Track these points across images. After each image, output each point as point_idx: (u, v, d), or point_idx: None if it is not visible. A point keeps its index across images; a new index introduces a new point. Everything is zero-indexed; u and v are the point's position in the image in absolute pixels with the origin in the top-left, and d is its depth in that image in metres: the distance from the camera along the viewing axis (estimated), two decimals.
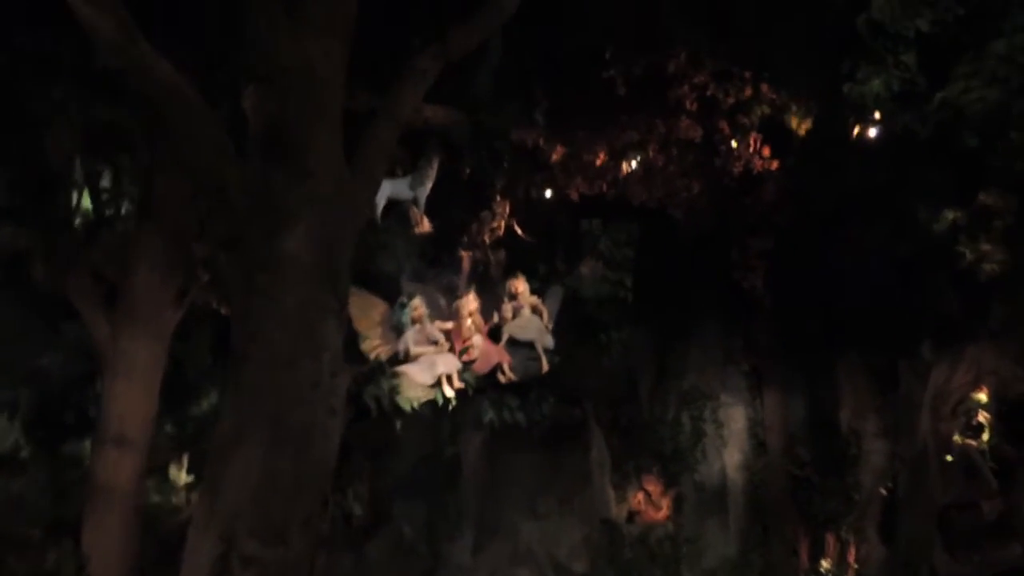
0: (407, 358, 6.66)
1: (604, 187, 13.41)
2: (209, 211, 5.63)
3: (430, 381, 6.55)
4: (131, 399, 8.09)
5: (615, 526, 12.56)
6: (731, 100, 11.95)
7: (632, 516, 12.97)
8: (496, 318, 7.65)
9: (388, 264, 10.98)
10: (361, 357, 6.62)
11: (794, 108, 12.21)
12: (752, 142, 12.53)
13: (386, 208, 10.53)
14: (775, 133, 12.68)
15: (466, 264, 11.78)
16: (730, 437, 13.71)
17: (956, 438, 11.22)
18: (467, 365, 6.97)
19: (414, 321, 6.77)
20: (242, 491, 5.22)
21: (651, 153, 13.12)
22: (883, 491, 12.67)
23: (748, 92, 11.86)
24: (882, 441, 12.96)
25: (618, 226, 9.23)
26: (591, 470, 12.59)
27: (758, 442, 13.75)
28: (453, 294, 9.39)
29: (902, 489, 12.21)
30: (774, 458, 13.60)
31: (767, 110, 12.25)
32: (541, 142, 12.88)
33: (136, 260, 8.19)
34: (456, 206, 12.45)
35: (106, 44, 4.91)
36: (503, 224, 13.25)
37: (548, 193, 13.88)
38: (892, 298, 12.15)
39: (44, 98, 7.93)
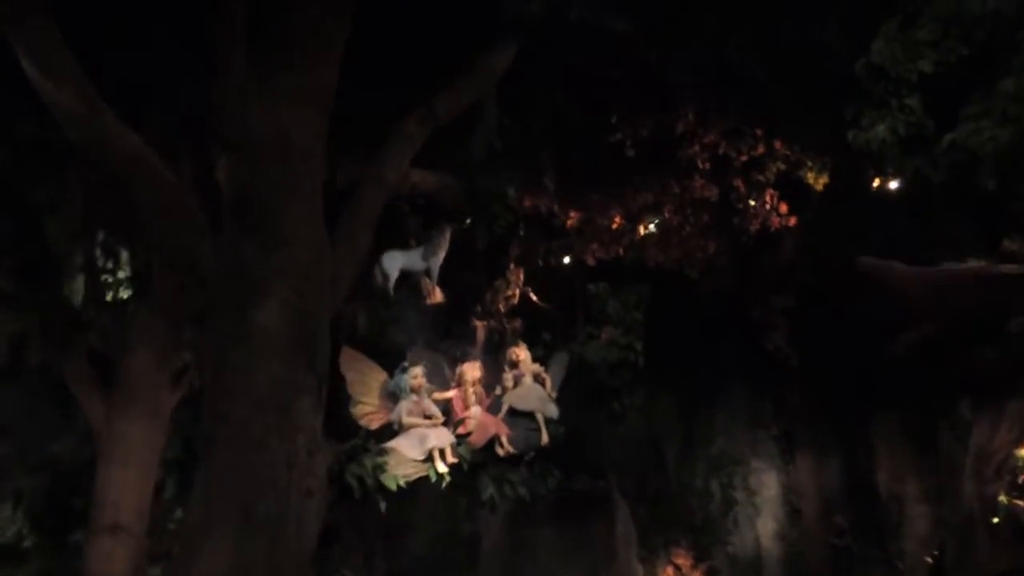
0: (400, 428, 6.27)
1: (621, 251, 13.12)
2: (180, 285, 5.35)
3: (421, 456, 6.12)
4: (126, 485, 7.75)
5: None
6: (744, 157, 11.65)
7: None
8: (499, 390, 7.25)
9: (400, 337, 10.67)
10: (352, 429, 6.23)
11: (809, 163, 11.87)
12: (768, 199, 12.17)
13: (398, 280, 10.31)
14: (792, 189, 12.33)
15: (480, 334, 11.42)
16: (763, 505, 12.99)
17: (1002, 498, 10.48)
18: (462, 438, 6.54)
19: (412, 390, 6.39)
20: None
21: (667, 214, 12.83)
22: (928, 559, 11.82)
23: (761, 149, 11.55)
24: (924, 505, 12.17)
25: (627, 288, 8.81)
26: (616, 544, 11.92)
27: (792, 509, 13.00)
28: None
29: (949, 557, 11.36)
30: (810, 526, 12.83)
31: (782, 166, 11.92)
32: (555, 208, 12.69)
33: (133, 341, 7.94)
34: (470, 275, 12.20)
35: (66, 117, 4.74)
36: (518, 292, 12.96)
37: (567, 259, 13.63)
38: (925, 354, 11.52)
39: (45, 185, 7.83)
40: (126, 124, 4.93)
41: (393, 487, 5.69)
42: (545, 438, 7.09)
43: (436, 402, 6.68)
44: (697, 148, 11.46)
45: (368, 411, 6.36)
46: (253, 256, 5.22)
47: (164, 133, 5.80)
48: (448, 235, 10.08)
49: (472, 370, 6.86)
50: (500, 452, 6.72)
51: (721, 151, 11.53)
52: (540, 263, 13.66)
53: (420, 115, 6.40)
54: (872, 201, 11.35)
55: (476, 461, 6.64)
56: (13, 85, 6.48)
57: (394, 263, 10.10)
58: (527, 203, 12.43)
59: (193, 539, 4.99)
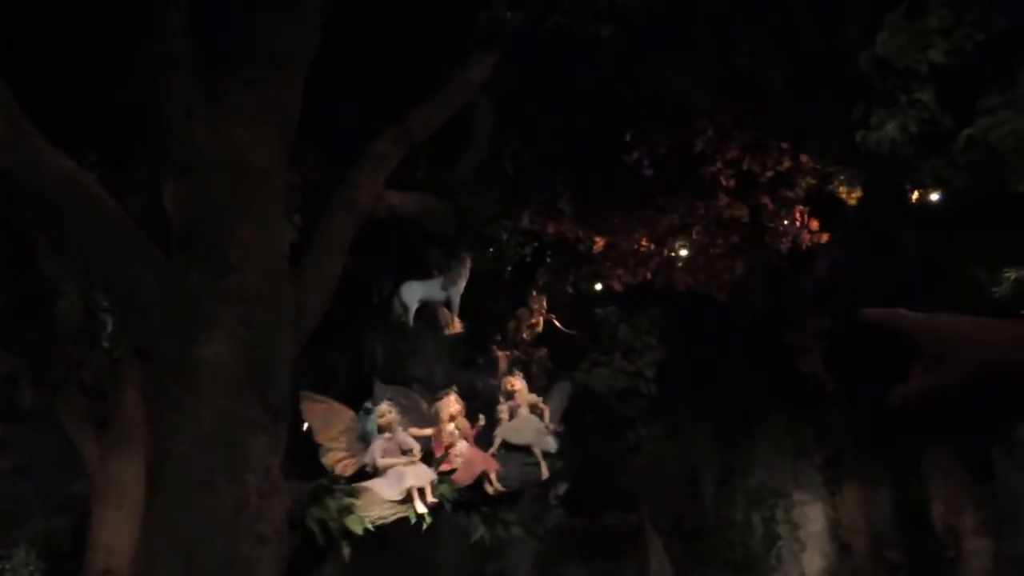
0: (375, 471, 5.77)
1: (648, 275, 12.50)
2: (121, 317, 5.00)
3: (398, 496, 5.60)
4: (119, 528, 7.43)
5: None
6: (770, 173, 11.00)
7: None
8: (482, 420, 6.70)
9: (418, 369, 10.25)
10: (324, 473, 5.76)
11: (840, 177, 11.14)
12: (798, 216, 11.46)
13: (417, 311, 9.94)
14: (824, 204, 11.60)
15: (503, 364, 10.97)
16: (808, 539, 12.07)
17: None
18: (446, 476, 6.00)
19: (382, 429, 5.89)
20: None
21: (694, 235, 12.20)
22: None
23: (787, 163, 10.90)
24: (984, 539, 11.12)
25: (638, 312, 8.20)
26: None
27: (841, 544, 12.05)
28: (490, 397, 8.53)
29: None
30: (861, 562, 11.86)
31: (811, 181, 11.24)
32: (579, 233, 12.17)
33: (127, 380, 7.65)
34: (492, 304, 11.74)
35: None
36: (542, 321, 12.43)
37: (599, 286, 13.07)
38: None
39: (41, 224, 7.64)
40: (64, 149, 4.62)
41: (359, 531, 5.18)
42: (545, 473, 6.51)
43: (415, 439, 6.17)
44: (720, 165, 10.85)
45: (340, 457, 5.86)
46: (199, 284, 4.84)
47: (108, 158, 5.49)
48: (468, 265, 9.71)
49: (448, 405, 6.32)
50: (489, 490, 6.16)
51: (745, 167, 10.91)
52: (570, 290, 13.16)
53: (393, 133, 6.00)
54: (911, 213, 10.55)
55: (463, 500, 6.09)
56: None
57: (413, 294, 9.74)
58: (551, 229, 11.98)
59: None
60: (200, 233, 4.92)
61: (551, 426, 6.81)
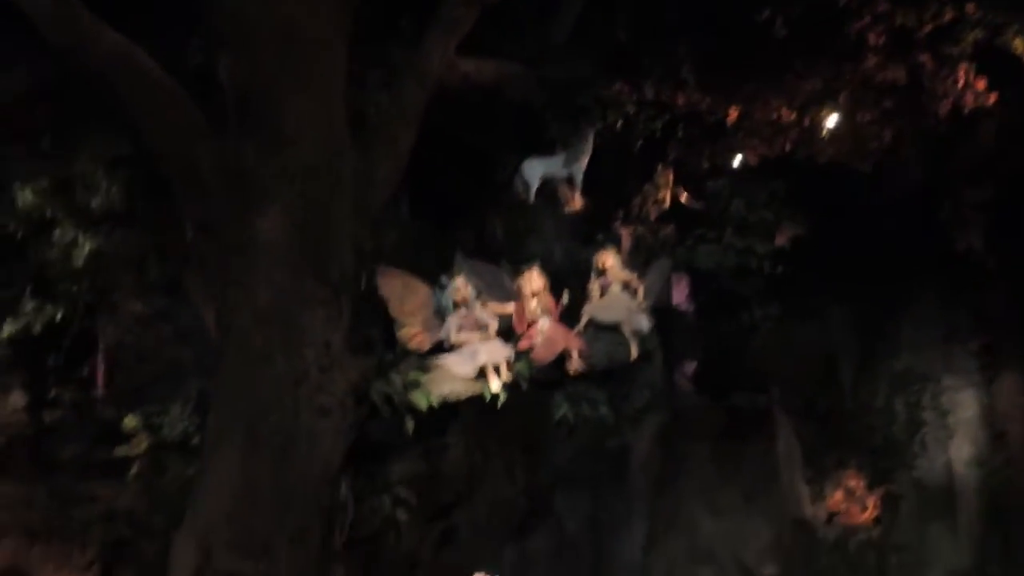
0: (450, 348, 5.58)
1: (788, 146, 11.38)
2: (182, 193, 4.95)
3: (471, 373, 5.41)
4: None
5: (809, 527, 10.55)
6: (928, 27, 9.49)
7: (832, 517, 10.84)
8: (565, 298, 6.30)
9: (536, 246, 9.98)
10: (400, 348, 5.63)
11: (1016, 27, 9.44)
12: (961, 75, 9.89)
13: (540, 188, 9.62)
14: (995, 60, 9.94)
15: (625, 241, 10.48)
16: (957, 427, 11.04)
17: None
18: (524, 354, 5.72)
19: (457, 304, 5.65)
20: (220, 500, 4.50)
21: (841, 101, 10.90)
22: None
23: (949, 15, 9.34)
24: None
25: (755, 185, 7.35)
26: (778, 463, 10.67)
27: (995, 433, 10.94)
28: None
29: None
30: (1017, 453, 10.77)
31: (979, 34, 9.60)
32: (711, 104, 11.18)
33: None
34: (616, 180, 11.15)
35: (45, 22, 4.39)
36: (668, 196, 11.71)
37: (736, 162, 12.10)
38: None
39: None
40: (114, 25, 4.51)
41: (423, 406, 5.06)
42: (634, 353, 6.11)
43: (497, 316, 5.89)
44: (868, 20, 9.48)
45: (414, 332, 5.71)
46: (254, 158, 4.69)
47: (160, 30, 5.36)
48: (591, 140, 9.26)
49: (531, 280, 5.97)
50: (570, 368, 5.86)
51: (899, 22, 9.46)
52: (705, 165, 12.27)
53: None
54: None
55: (546, 379, 5.83)
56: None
57: (534, 171, 9.47)
58: (680, 101, 11.07)
59: (207, 455, 4.69)
60: (254, 107, 4.74)
61: (644, 304, 6.36)
